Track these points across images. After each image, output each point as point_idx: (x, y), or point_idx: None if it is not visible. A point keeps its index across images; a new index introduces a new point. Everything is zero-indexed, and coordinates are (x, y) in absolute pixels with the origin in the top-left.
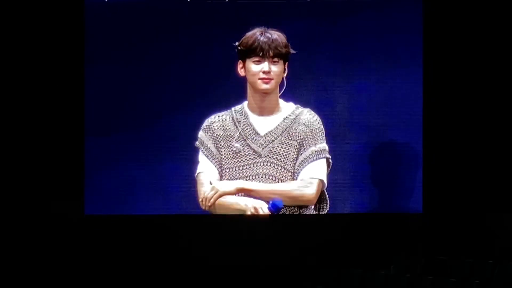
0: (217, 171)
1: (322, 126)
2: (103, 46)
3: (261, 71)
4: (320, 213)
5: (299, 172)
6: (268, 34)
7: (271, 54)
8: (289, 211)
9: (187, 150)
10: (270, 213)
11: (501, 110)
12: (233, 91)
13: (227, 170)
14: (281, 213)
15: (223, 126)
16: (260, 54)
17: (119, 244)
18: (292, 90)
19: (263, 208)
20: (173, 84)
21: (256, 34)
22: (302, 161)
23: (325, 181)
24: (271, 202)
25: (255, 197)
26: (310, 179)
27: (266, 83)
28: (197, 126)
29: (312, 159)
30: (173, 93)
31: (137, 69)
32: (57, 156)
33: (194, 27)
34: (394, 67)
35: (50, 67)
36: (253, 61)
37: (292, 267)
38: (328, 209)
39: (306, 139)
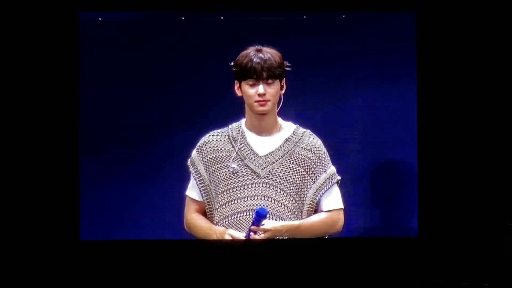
0: (200, 198)
1: (325, 149)
2: (97, 65)
3: (256, 94)
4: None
5: (317, 201)
6: (261, 55)
7: (265, 76)
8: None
9: (187, 171)
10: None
11: (501, 129)
12: (231, 109)
13: (225, 193)
14: (276, 238)
15: (217, 147)
16: (254, 77)
17: (117, 271)
18: (288, 108)
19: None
20: (171, 101)
21: (250, 55)
22: (316, 190)
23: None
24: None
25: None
26: (337, 210)
27: (263, 105)
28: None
29: (326, 187)
30: (171, 111)
31: (133, 88)
32: (50, 179)
33: (189, 44)
34: (388, 85)
35: (44, 86)
36: (248, 84)
37: None
38: None
39: (314, 166)
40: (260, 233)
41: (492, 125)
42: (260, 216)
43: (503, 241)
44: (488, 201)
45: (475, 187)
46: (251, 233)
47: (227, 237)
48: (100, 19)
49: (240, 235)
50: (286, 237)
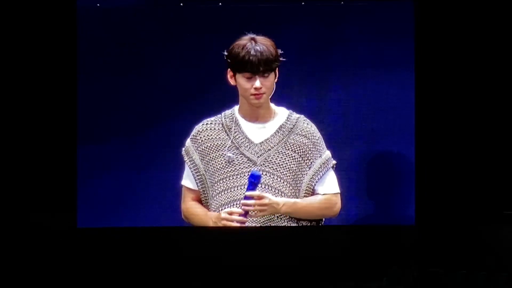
0: (196, 187)
1: (320, 134)
2: (95, 52)
3: (252, 87)
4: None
5: (314, 187)
6: (257, 47)
7: (261, 69)
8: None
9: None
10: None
11: (497, 118)
12: (227, 96)
13: (221, 181)
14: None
15: (211, 136)
16: (251, 71)
17: (114, 258)
18: (284, 96)
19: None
20: (168, 89)
21: (247, 47)
22: (312, 175)
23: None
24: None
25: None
26: (333, 194)
27: (258, 98)
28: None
29: (322, 172)
30: (168, 100)
31: (131, 76)
32: (48, 167)
33: (187, 31)
34: (385, 73)
35: (42, 74)
36: (244, 77)
37: (284, 280)
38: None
39: (309, 152)
40: (256, 202)
41: (490, 115)
42: (254, 178)
43: (500, 229)
44: (485, 190)
45: (472, 176)
46: (247, 205)
47: (224, 215)
48: (98, 5)
49: (236, 210)
50: (284, 218)
